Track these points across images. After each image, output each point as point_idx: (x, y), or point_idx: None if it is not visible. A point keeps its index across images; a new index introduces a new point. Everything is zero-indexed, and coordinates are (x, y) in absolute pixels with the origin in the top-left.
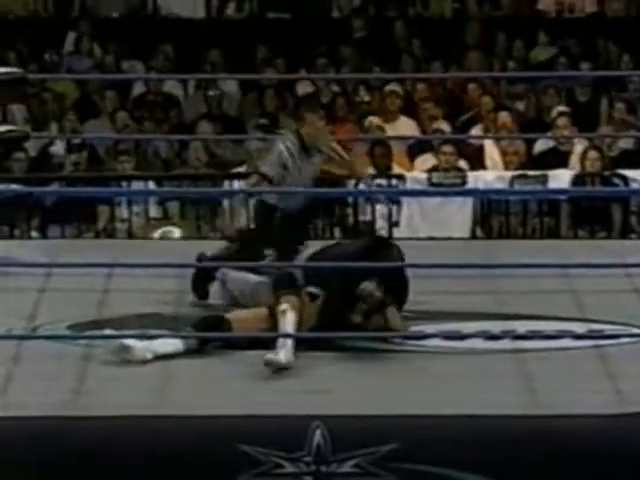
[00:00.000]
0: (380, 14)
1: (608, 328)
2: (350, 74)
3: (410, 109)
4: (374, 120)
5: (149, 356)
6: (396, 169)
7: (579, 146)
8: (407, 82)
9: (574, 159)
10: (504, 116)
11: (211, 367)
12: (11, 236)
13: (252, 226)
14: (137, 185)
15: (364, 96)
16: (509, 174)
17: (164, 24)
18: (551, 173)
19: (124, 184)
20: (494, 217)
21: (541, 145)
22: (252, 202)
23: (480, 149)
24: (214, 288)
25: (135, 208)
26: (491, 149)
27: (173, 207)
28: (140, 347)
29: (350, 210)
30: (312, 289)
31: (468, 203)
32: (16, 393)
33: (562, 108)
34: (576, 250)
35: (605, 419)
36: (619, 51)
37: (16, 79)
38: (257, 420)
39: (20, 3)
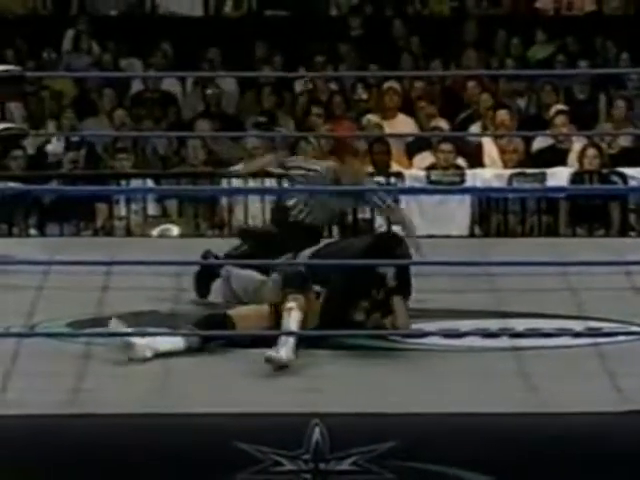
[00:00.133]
0: (378, 12)
1: (607, 326)
2: (348, 72)
3: (408, 107)
4: (372, 118)
5: (149, 354)
6: (395, 167)
7: (577, 144)
8: (405, 80)
9: (572, 157)
10: (503, 114)
11: (210, 365)
12: (9, 234)
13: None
14: (135, 183)
15: (362, 94)
16: (508, 172)
17: (162, 22)
18: (549, 171)
19: (122, 182)
20: (492, 215)
21: (539, 143)
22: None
23: (479, 147)
24: (217, 286)
25: (133, 206)
26: (490, 147)
27: (171, 205)
28: (141, 345)
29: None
30: (315, 287)
31: (466, 201)
32: (15, 391)
33: (560, 106)
34: (574, 248)
35: (604, 417)
36: (617, 49)
37: (14, 77)
38: (256, 418)
39: (19, 1)
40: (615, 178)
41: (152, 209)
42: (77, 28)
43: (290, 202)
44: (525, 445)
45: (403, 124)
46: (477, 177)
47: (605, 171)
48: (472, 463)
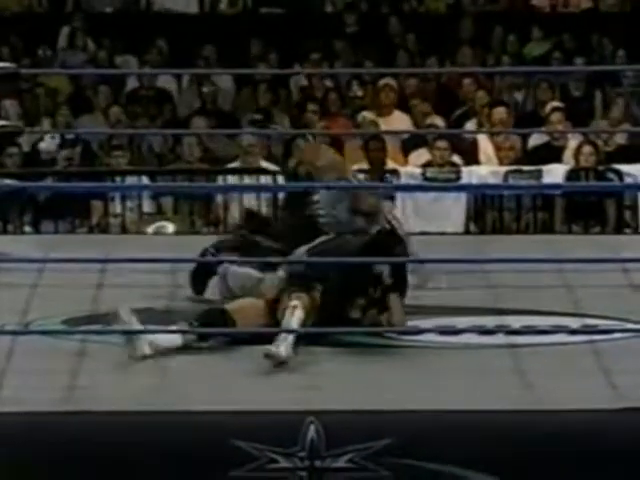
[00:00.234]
0: (373, 9)
1: (603, 323)
2: (344, 69)
3: (404, 104)
4: (368, 115)
5: (148, 351)
6: (390, 164)
7: (573, 141)
8: (401, 77)
9: (568, 154)
10: (501, 112)
11: (205, 363)
12: (4, 231)
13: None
14: (131, 180)
15: (357, 91)
16: (503, 169)
17: (157, 19)
18: (545, 168)
19: (118, 179)
20: (488, 212)
21: (535, 140)
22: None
23: (474, 144)
24: (213, 283)
25: (129, 203)
26: (485, 144)
27: (167, 202)
28: (140, 342)
29: None
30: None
31: (462, 198)
32: (10, 389)
33: (556, 103)
34: (570, 245)
35: (600, 414)
36: (613, 46)
37: (9, 74)
38: (251, 415)
39: None
40: (611, 175)
41: (147, 206)
42: (72, 25)
43: (315, 197)
44: (521, 442)
45: (399, 121)
46: (473, 174)
47: (601, 168)
48: (468, 461)
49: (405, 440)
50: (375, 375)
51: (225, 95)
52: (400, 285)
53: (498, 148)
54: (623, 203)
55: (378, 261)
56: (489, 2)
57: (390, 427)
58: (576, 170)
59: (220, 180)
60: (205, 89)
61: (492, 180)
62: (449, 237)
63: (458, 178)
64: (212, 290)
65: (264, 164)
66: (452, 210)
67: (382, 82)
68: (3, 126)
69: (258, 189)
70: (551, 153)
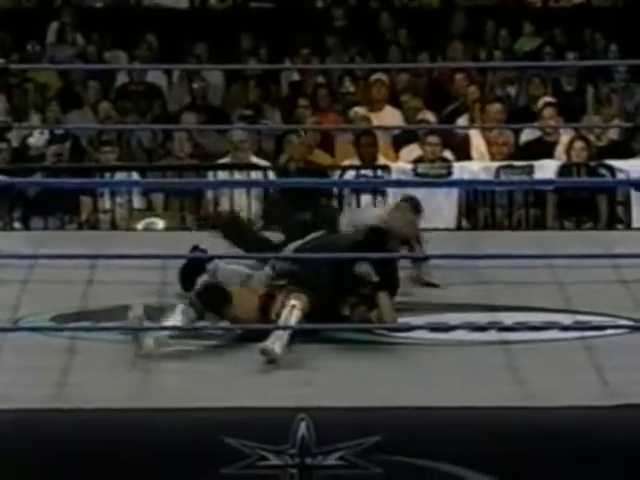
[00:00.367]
0: (364, 4)
1: (595, 319)
2: (335, 64)
3: (395, 99)
4: (359, 111)
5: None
6: (381, 160)
7: (565, 136)
8: (393, 72)
9: (560, 149)
10: (497, 108)
11: (195, 359)
12: None
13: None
14: (120, 176)
15: (349, 87)
16: (495, 165)
17: (147, 14)
18: (537, 164)
19: (107, 175)
20: (480, 208)
21: (527, 135)
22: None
23: (466, 140)
24: (202, 280)
25: (118, 199)
26: (477, 140)
27: (157, 198)
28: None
29: (335, 201)
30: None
31: (454, 194)
32: (0, 386)
33: (548, 99)
34: (562, 241)
35: (592, 411)
36: (606, 41)
37: None
38: (241, 412)
39: None
40: (603, 171)
41: (137, 202)
42: (61, 20)
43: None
44: (513, 439)
45: (390, 116)
46: (464, 170)
47: (593, 164)
48: (459, 457)
49: (396, 437)
50: (366, 372)
51: (215, 90)
52: (389, 283)
53: (491, 144)
54: (615, 199)
55: (370, 257)
56: None
57: (381, 424)
58: (568, 166)
59: (210, 176)
60: (195, 85)
61: (484, 176)
62: (441, 233)
63: (449, 174)
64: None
65: (255, 160)
66: (444, 206)
67: (373, 77)
68: None
69: (249, 185)
70: (543, 148)
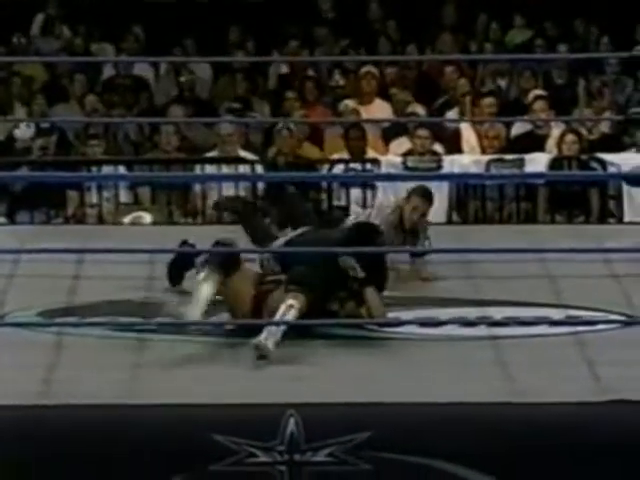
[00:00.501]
0: None
1: (586, 314)
2: (323, 57)
3: (385, 92)
4: (349, 103)
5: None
6: (371, 153)
7: (556, 129)
8: (382, 64)
9: (551, 142)
10: (488, 101)
11: (183, 355)
12: None
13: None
14: (107, 170)
15: (339, 80)
16: (485, 158)
17: (134, 6)
18: (528, 157)
19: (94, 169)
20: (470, 202)
21: (518, 129)
22: None
23: (457, 133)
24: (190, 274)
25: (105, 193)
26: (468, 133)
27: (144, 192)
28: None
29: (324, 195)
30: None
31: (444, 188)
32: None
33: (539, 92)
34: (553, 235)
35: (584, 407)
36: (597, 33)
37: None
38: (229, 409)
39: None
40: (594, 164)
41: (124, 196)
42: (47, 12)
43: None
44: (504, 435)
45: (380, 109)
46: (454, 163)
47: (584, 157)
48: (450, 454)
49: (385, 433)
50: (356, 367)
51: (203, 83)
52: (377, 278)
53: (482, 137)
54: (607, 192)
55: (361, 252)
56: None
57: (371, 420)
58: (559, 159)
59: (198, 169)
60: (182, 78)
61: (474, 169)
62: (431, 227)
63: (439, 167)
64: (190, 282)
65: (242, 153)
66: (434, 200)
67: (363, 70)
68: None
69: (236, 178)
70: (534, 142)
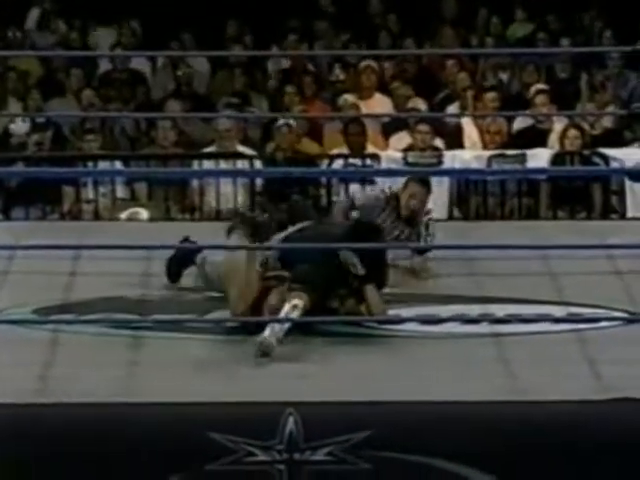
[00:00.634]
0: None
1: (588, 311)
2: (322, 51)
3: (385, 86)
4: (349, 98)
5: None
6: (370, 148)
7: (558, 124)
8: (382, 59)
9: (553, 138)
10: (491, 96)
11: (180, 353)
12: None
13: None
14: (103, 165)
15: (339, 74)
16: (487, 153)
17: None
18: (530, 152)
19: (90, 164)
20: (472, 197)
21: (520, 123)
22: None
23: (458, 128)
24: (188, 271)
25: (101, 189)
26: (470, 128)
27: (141, 187)
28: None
29: (323, 191)
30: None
31: (445, 183)
32: None
33: (540, 86)
34: (555, 231)
35: (586, 405)
36: (600, 26)
37: None
38: (228, 407)
39: None
40: (597, 159)
41: (121, 192)
42: (43, 6)
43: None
44: (505, 434)
45: (380, 104)
46: (455, 159)
47: (587, 152)
48: (450, 452)
49: (385, 432)
50: (356, 365)
51: (200, 78)
52: (377, 275)
53: (484, 132)
54: (609, 188)
55: (359, 248)
56: None
57: (371, 419)
58: (561, 154)
59: (195, 165)
60: (180, 72)
61: (475, 165)
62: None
63: (440, 163)
64: (189, 279)
65: (241, 148)
66: (434, 195)
67: (363, 64)
68: None
69: (235, 174)
70: (536, 137)
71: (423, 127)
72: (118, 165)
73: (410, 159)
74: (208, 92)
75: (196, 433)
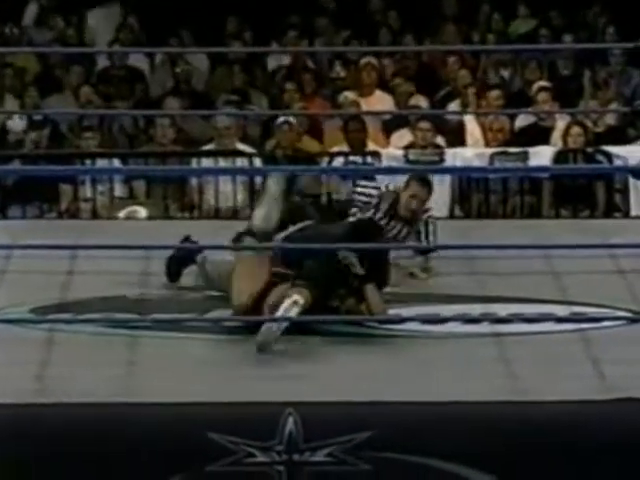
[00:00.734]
0: None
1: (591, 311)
2: (322, 47)
3: (386, 83)
4: (349, 95)
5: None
6: (371, 146)
7: (561, 122)
8: (383, 56)
9: (556, 135)
10: (495, 94)
11: (179, 352)
12: None
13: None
14: (101, 163)
15: (340, 71)
16: (489, 151)
17: None
18: (532, 150)
19: (88, 162)
20: (473, 196)
21: (522, 121)
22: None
23: (460, 125)
24: (188, 271)
25: (99, 187)
26: (472, 125)
27: (139, 186)
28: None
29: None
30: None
31: (446, 181)
32: None
33: (543, 83)
34: (558, 230)
35: (589, 406)
36: (604, 23)
37: None
38: (227, 407)
39: None
40: (600, 157)
41: (119, 190)
42: (40, 2)
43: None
44: (507, 434)
45: (380, 101)
46: (457, 156)
47: (590, 150)
48: (452, 453)
49: (386, 433)
50: (356, 365)
51: (199, 75)
52: (377, 275)
53: (487, 130)
54: (613, 186)
55: (363, 247)
56: None
57: (371, 419)
58: (564, 152)
59: (194, 163)
60: (178, 69)
61: (477, 162)
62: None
63: (442, 160)
64: (188, 278)
65: (240, 146)
66: (436, 193)
67: (363, 61)
68: None
69: (234, 172)
70: (538, 134)
71: (424, 124)
72: (116, 163)
73: (411, 157)
74: (207, 89)
75: (195, 433)
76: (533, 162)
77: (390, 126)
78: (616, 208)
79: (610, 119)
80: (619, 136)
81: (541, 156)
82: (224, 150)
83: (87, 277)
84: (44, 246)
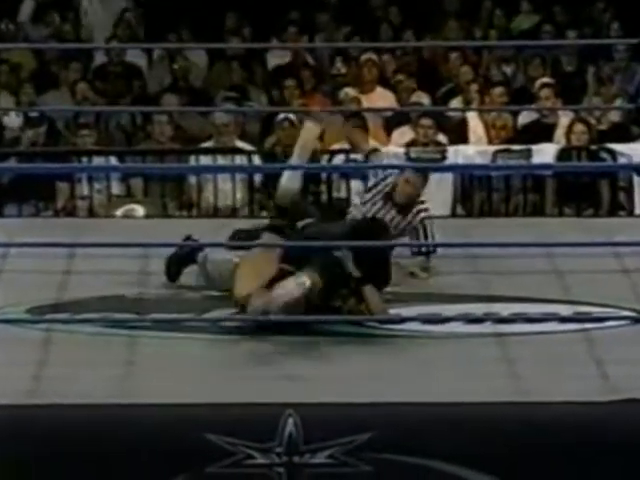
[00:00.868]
0: None
1: (595, 310)
2: (323, 43)
3: (387, 80)
4: (350, 92)
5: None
6: (372, 143)
7: (565, 119)
8: (384, 52)
9: (559, 132)
10: (499, 91)
11: (178, 352)
12: None
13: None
14: (98, 161)
15: (340, 68)
16: (491, 148)
17: None
18: (535, 147)
19: (84, 159)
20: (476, 194)
21: (525, 118)
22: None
23: (462, 123)
24: (188, 270)
25: (96, 185)
26: (475, 123)
27: (137, 184)
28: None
29: (324, 187)
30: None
31: (448, 179)
32: None
33: (545, 79)
34: (561, 228)
35: (592, 407)
36: (609, 18)
37: None
38: (226, 409)
39: None
40: (604, 155)
41: (116, 188)
42: None
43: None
44: (508, 436)
45: (381, 98)
46: (459, 154)
47: (593, 147)
48: (453, 455)
49: (387, 434)
50: (357, 366)
51: (198, 71)
52: (377, 275)
53: (489, 127)
54: (617, 184)
55: (363, 246)
56: None
57: (372, 420)
58: (568, 149)
59: (193, 160)
60: (176, 65)
61: (480, 160)
62: (435, 220)
63: (444, 158)
64: (189, 277)
65: (239, 143)
66: (438, 192)
67: (364, 57)
68: None
69: (233, 170)
70: (541, 131)
71: (426, 121)
72: (113, 160)
73: (413, 154)
74: (205, 86)
75: (194, 435)
76: (536, 160)
77: (391, 123)
78: (620, 206)
79: (614, 116)
80: (623, 133)
81: (544, 154)
82: (223, 147)
83: (84, 276)
84: (41, 244)
